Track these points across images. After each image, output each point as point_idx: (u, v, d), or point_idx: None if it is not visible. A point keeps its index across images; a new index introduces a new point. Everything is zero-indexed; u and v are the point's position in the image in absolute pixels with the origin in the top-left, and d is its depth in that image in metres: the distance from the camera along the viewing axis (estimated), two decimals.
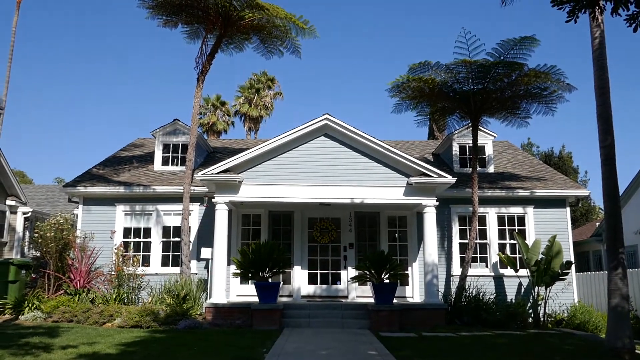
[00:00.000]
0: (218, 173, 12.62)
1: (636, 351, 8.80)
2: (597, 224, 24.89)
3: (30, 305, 12.50)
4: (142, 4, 14.22)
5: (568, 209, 15.30)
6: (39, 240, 13.89)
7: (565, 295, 14.51)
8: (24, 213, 21.31)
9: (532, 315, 13.65)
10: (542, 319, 13.57)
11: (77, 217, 15.20)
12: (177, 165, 16.47)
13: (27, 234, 21.46)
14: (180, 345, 8.80)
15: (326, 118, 12.88)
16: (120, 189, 14.74)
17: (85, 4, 74.87)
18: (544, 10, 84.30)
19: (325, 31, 65.21)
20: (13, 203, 20.66)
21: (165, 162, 16.58)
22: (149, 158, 17.40)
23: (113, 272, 13.82)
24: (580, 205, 34.32)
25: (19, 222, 21.07)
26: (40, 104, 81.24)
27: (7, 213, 20.69)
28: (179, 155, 16.58)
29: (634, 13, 5.91)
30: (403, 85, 14.27)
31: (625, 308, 8.78)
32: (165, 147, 16.68)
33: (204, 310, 12.49)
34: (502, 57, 13.53)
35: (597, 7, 6.22)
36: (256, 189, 12.81)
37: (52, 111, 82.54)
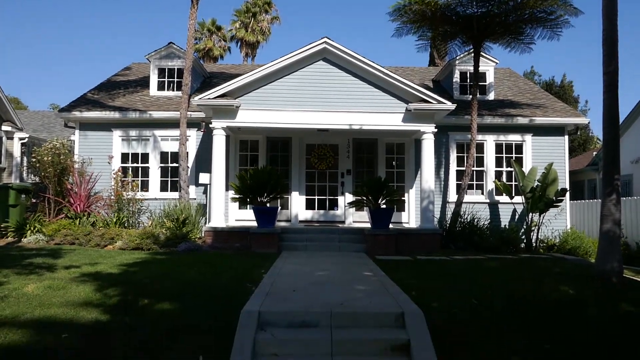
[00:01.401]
0: (215, 98, 12.45)
1: (624, 275, 9.05)
2: (594, 153, 24.96)
3: (32, 228, 12.67)
4: None
5: (566, 137, 15.28)
6: (37, 165, 13.91)
7: (558, 222, 14.77)
8: (21, 139, 21.19)
9: (525, 241, 13.95)
10: (534, 244, 13.88)
11: (74, 143, 15.16)
12: (173, 90, 16.23)
13: (25, 159, 21.46)
14: (180, 265, 9.01)
15: (325, 42, 12.56)
16: (116, 114, 14.60)
17: None
18: None
19: None
20: (9, 129, 20.50)
21: (161, 86, 16.33)
22: (144, 83, 17.12)
23: (112, 197, 13.95)
24: (579, 134, 34.29)
25: (16, 148, 20.99)
26: (34, 29, 79.00)
27: (4, 139, 20.58)
28: (175, 80, 16.30)
29: None
30: (405, 8, 13.82)
31: (617, 233, 8.94)
32: (161, 72, 16.37)
33: (203, 234, 12.71)
34: None
35: None
36: (254, 114, 12.68)
37: (46, 36, 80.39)
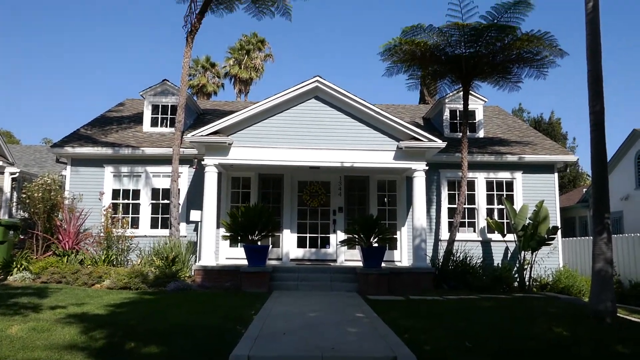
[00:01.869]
0: (208, 135, 12.49)
1: (618, 314, 8.99)
2: (584, 190, 25.15)
3: (18, 266, 12.47)
4: None
5: (556, 174, 15.40)
6: (27, 201, 13.78)
7: (550, 260, 14.74)
8: (12, 173, 21.07)
9: (518, 280, 13.86)
10: (527, 283, 13.80)
11: (65, 178, 15.08)
12: (166, 126, 16.29)
13: (15, 194, 21.28)
14: (168, 305, 8.86)
15: (317, 80, 12.71)
16: (109, 150, 14.59)
17: None
18: None
19: None
20: (0, 163, 20.41)
21: (154, 123, 16.39)
22: (137, 119, 17.18)
23: (102, 234, 13.79)
24: (568, 171, 34.48)
25: (6, 183, 20.85)
26: (29, 64, 79.60)
27: None
28: (168, 116, 16.38)
29: None
30: (395, 48, 14.08)
31: (609, 272, 8.92)
32: (155, 108, 16.46)
33: (193, 273, 12.55)
34: (495, 21, 13.33)
35: None
36: (246, 152, 12.72)
37: (41, 71, 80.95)
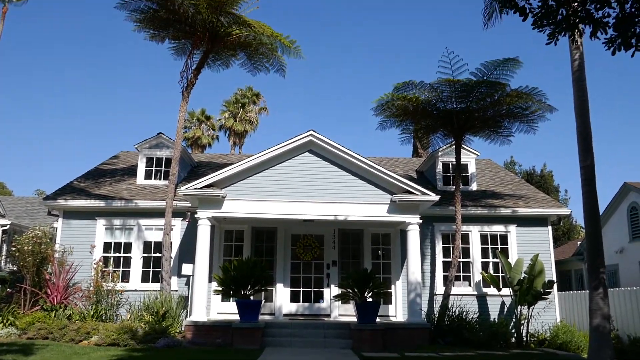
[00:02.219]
0: (201, 188, 12.50)
1: None
2: (579, 242, 25.11)
3: (4, 321, 12.17)
4: (129, 17, 14.16)
5: (550, 227, 15.41)
6: (17, 254, 13.60)
7: (547, 315, 14.54)
8: (2, 226, 20.93)
9: (515, 335, 13.63)
10: (525, 338, 13.56)
11: (56, 231, 14.93)
12: (160, 179, 16.30)
13: (5, 247, 21.03)
14: None
15: (311, 134, 12.86)
16: (102, 203, 14.53)
17: (69, 14, 74.57)
18: (526, 32, 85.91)
19: (312, 51, 65.65)
20: None
21: (148, 175, 16.41)
22: (131, 171, 17.21)
23: (92, 288, 13.55)
24: (561, 223, 34.52)
25: None
26: (23, 115, 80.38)
27: None
28: (163, 169, 16.42)
29: (612, 37, 6.01)
30: (387, 103, 14.35)
31: (607, 328, 8.81)
32: (149, 161, 16.51)
33: (183, 328, 12.26)
34: (485, 77, 13.68)
35: (576, 30, 6.32)
36: (239, 205, 12.70)
37: (34, 122, 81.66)
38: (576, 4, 6.13)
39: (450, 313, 13.22)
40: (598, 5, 6.03)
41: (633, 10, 5.95)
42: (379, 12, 77.39)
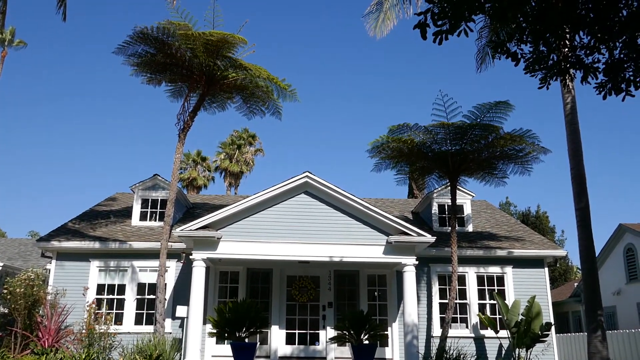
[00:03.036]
0: (197, 229, 12.49)
1: None
2: (576, 284, 25.00)
3: None
4: (127, 61, 14.40)
5: (546, 269, 15.38)
6: (8, 297, 13.40)
7: (545, 358, 14.34)
8: None
9: None
10: None
11: (49, 273, 14.79)
12: (155, 220, 16.28)
13: None
14: None
15: (307, 176, 12.95)
16: (96, 244, 14.45)
17: (66, 54, 75.75)
18: (518, 76, 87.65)
19: (307, 94, 66.70)
20: None
21: (143, 217, 16.38)
22: (127, 213, 17.19)
23: (84, 331, 13.33)
24: (558, 265, 34.34)
25: None
26: (18, 157, 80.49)
27: None
28: (158, 210, 16.41)
29: (602, 81, 6.17)
30: (383, 145, 14.52)
31: None
32: (144, 202, 16.52)
33: None
34: (478, 120, 13.90)
35: (567, 75, 6.48)
36: (235, 246, 12.67)
37: (29, 164, 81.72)
38: (567, 49, 6.31)
39: (448, 356, 13.02)
40: (588, 51, 6.19)
41: (622, 56, 6.12)
42: (373, 57, 78.99)
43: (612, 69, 6.11)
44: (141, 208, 16.43)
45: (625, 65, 6.11)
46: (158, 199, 16.48)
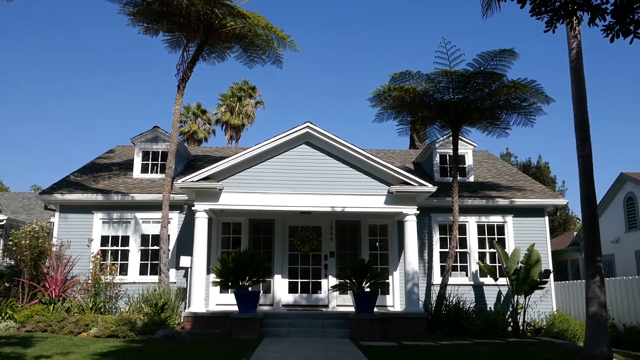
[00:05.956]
0: (198, 181, 12.50)
1: (614, 359, 8.88)
2: (575, 233, 25.22)
3: (2, 314, 12.19)
4: (122, 10, 14.07)
5: (546, 218, 15.46)
6: (14, 248, 13.59)
7: (544, 304, 14.62)
8: None
9: (512, 324, 13.70)
10: (521, 327, 13.64)
11: (53, 225, 14.92)
12: (156, 172, 16.29)
13: (2, 242, 21.00)
14: (157, 355, 8.64)
15: (308, 126, 12.85)
16: (98, 197, 14.51)
17: (62, 7, 74.12)
18: (524, 20, 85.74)
19: (308, 45, 65.50)
20: None
21: (144, 169, 16.39)
22: (128, 165, 17.19)
23: (90, 281, 13.56)
24: (558, 214, 34.56)
25: None
26: (17, 110, 79.97)
27: None
28: (159, 162, 16.40)
29: (610, 23, 6.02)
30: (384, 94, 14.34)
31: (603, 316, 8.86)
32: (145, 155, 16.49)
33: (182, 320, 12.29)
34: (482, 68, 13.68)
35: (574, 18, 6.31)
36: (237, 197, 12.71)
37: (29, 118, 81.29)
38: None
39: (448, 303, 13.29)
40: None
41: None
42: (376, 7, 77.17)
43: (620, 10, 5.95)
44: (142, 160, 16.42)
45: (634, 6, 5.95)
46: (159, 151, 16.45)
